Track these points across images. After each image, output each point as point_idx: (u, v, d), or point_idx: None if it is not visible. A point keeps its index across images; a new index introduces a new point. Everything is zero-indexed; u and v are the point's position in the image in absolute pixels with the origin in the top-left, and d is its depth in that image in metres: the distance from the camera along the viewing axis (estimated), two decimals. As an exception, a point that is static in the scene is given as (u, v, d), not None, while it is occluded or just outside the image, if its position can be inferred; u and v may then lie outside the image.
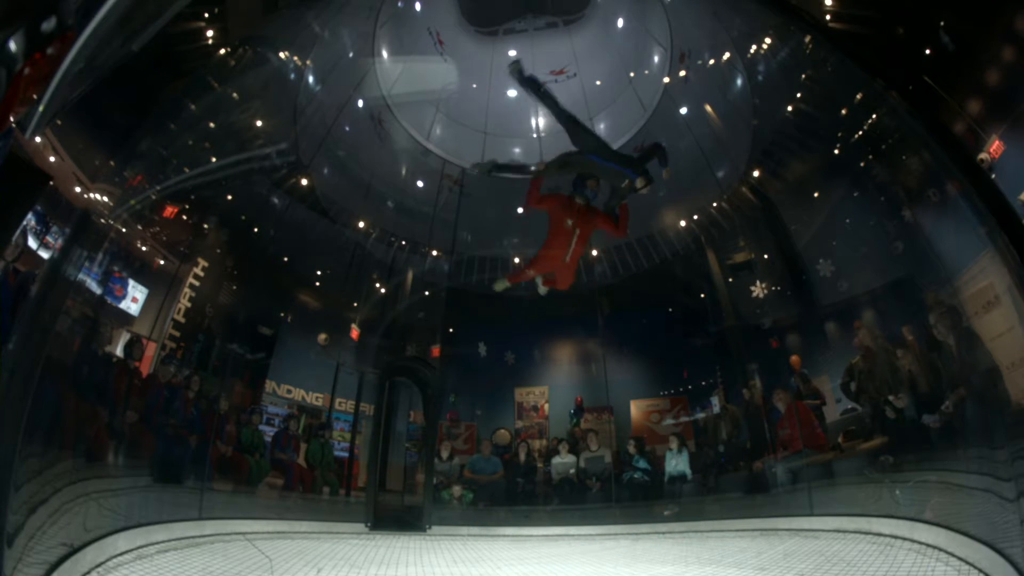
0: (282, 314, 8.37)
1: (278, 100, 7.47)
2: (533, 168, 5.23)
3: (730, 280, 8.60)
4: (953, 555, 3.64)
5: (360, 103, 8.80)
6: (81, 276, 4.55)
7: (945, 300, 4.55)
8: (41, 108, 2.64)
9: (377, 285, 9.84)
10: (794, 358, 7.20)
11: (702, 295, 8.95)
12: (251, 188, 7.63)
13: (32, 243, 3.80)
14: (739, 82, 7.61)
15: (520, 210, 10.13)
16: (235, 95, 6.67)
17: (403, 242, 9.79)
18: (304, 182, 8.31)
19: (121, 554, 4.00)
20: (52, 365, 3.90)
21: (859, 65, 4.79)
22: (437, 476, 8.52)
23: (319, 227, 8.72)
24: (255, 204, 7.84)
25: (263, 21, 6.49)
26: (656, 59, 8.74)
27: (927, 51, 4.30)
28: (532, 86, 5.61)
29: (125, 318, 5.61)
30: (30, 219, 3.69)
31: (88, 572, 3.48)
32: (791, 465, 6.75)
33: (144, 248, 5.87)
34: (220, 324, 7.02)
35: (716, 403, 8.37)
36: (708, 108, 8.39)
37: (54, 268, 4.05)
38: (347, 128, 8.71)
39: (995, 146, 3.92)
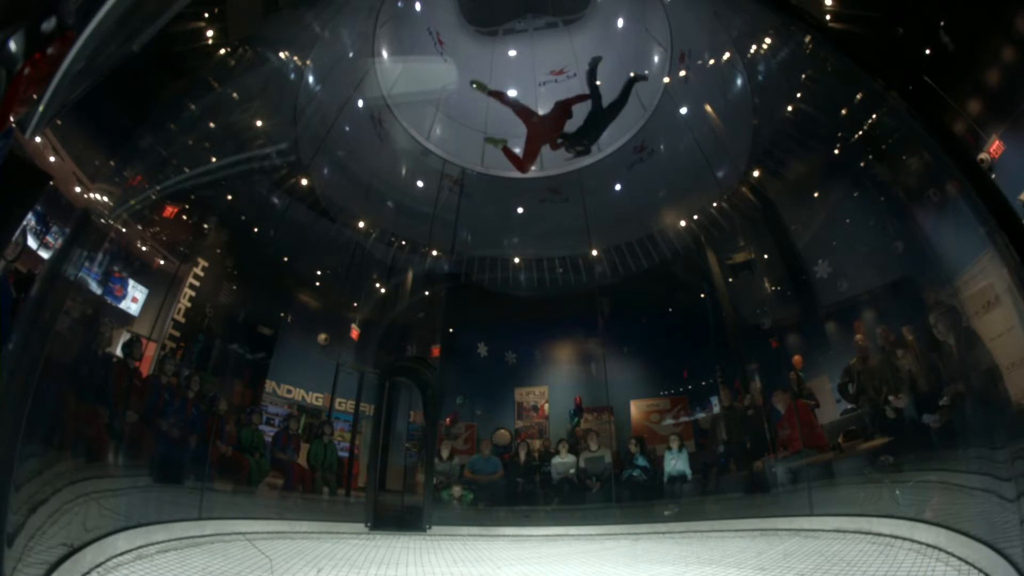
0: (282, 314, 8.37)
1: (278, 100, 7.47)
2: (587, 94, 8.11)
3: (730, 280, 8.59)
4: (953, 555, 3.64)
5: (360, 103, 8.81)
6: (81, 276, 4.55)
7: (945, 300, 4.55)
8: (41, 108, 2.64)
9: (377, 285, 9.84)
10: (796, 358, 7.20)
11: (702, 295, 8.94)
12: (251, 188, 7.63)
13: (32, 243, 3.80)
14: (739, 82, 7.61)
15: (520, 210, 10.20)
16: (235, 95, 6.67)
17: (403, 242, 9.79)
18: (304, 182, 8.31)
19: (121, 554, 4.00)
20: (52, 365, 3.90)
21: (859, 65, 4.79)
22: (437, 476, 8.52)
23: (319, 227, 8.72)
24: (255, 204, 7.84)
25: (263, 21, 6.50)
26: (656, 59, 8.75)
27: (927, 51, 4.30)
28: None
29: (125, 318, 5.61)
30: (30, 219, 3.69)
31: (88, 572, 3.48)
32: (791, 465, 6.75)
33: (144, 248, 5.87)
34: (220, 324, 7.02)
35: (716, 403, 8.37)
36: (708, 108, 8.39)
37: (54, 268, 4.04)
38: (347, 128, 8.72)
39: (995, 146, 3.92)
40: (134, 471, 5.16)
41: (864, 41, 4.68)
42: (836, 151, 6.32)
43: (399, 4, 8.66)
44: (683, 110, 8.66)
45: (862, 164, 5.81)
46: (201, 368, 6.60)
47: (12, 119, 2.34)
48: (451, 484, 8.37)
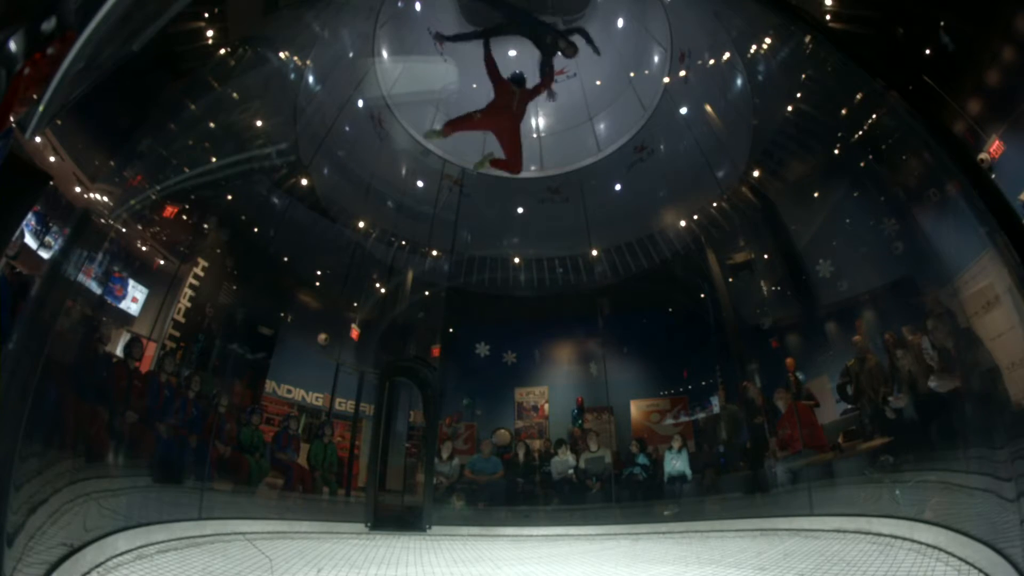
0: (282, 314, 8.36)
1: (278, 100, 7.46)
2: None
3: (730, 280, 8.59)
4: (953, 555, 3.64)
5: (360, 103, 8.80)
6: (81, 276, 4.55)
7: (945, 300, 4.55)
8: (41, 108, 2.64)
9: (377, 285, 9.84)
10: (788, 361, 7.20)
11: (702, 295, 8.94)
12: (251, 188, 7.63)
13: (32, 243, 3.80)
14: (739, 82, 7.60)
15: (520, 210, 10.19)
16: (235, 95, 6.66)
17: (403, 242, 9.79)
18: (304, 182, 8.30)
19: (121, 554, 4.00)
20: (52, 365, 3.90)
21: (859, 65, 4.78)
22: (437, 476, 8.52)
23: (319, 227, 8.72)
24: (255, 204, 7.83)
25: (263, 21, 6.49)
26: (656, 59, 8.74)
27: (927, 51, 4.30)
28: None
29: (125, 318, 5.61)
30: (30, 219, 3.69)
31: (88, 572, 3.47)
32: (791, 465, 6.76)
33: (144, 248, 5.87)
34: (220, 324, 7.01)
35: (716, 403, 8.37)
36: (708, 108, 8.38)
37: (54, 268, 4.04)
38: (347, 128, 8.71)
39: (995, 146, 3.91)
40: (134, 471, 5.16)
41: (864, 41, 4.67)
42: (836, 151, 6.32)
43: (399, 4, 8.65)
44: (683, 110, 8.65)
45: (862, 164, 5.81)
46: (201, 368, 6.60)
47: (12, 119, 2.34)
48: (451, 496, 8.38)
